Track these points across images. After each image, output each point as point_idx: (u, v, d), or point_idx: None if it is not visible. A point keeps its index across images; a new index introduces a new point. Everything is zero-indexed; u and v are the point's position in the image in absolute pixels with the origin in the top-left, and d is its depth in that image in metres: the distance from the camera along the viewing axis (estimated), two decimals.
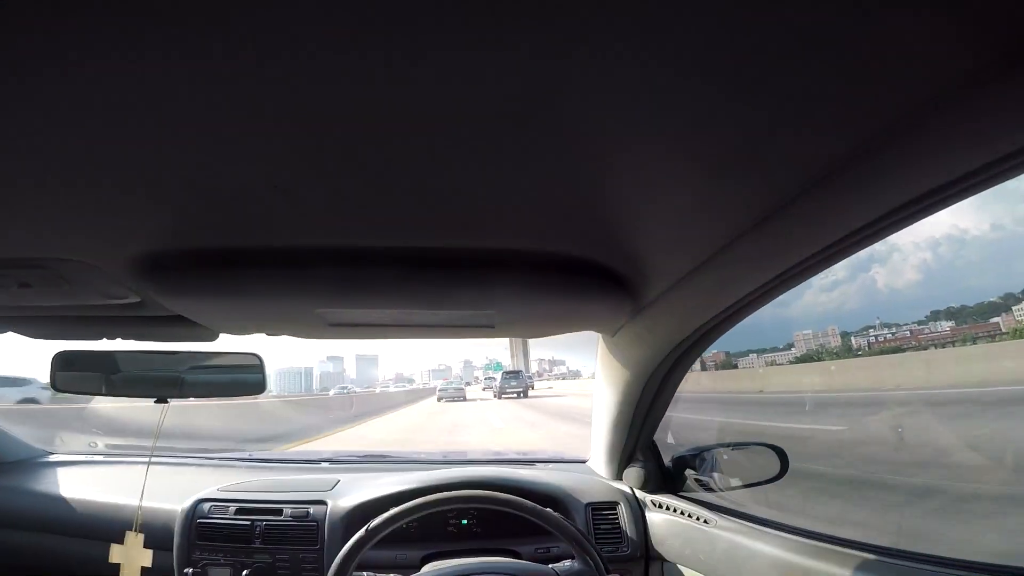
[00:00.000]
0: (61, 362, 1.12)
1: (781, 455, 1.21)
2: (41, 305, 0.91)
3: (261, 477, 1.59)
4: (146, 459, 1.87)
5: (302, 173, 0.52)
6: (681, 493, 1.33)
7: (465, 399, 23.02)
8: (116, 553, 1.16)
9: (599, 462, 1.52)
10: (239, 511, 1.35)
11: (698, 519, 1.20)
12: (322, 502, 1.37)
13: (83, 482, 1.60)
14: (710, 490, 1.28)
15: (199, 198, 0.58)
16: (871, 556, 0.86)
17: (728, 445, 1.34)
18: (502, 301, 0.85)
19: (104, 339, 1.06)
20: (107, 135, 0.45)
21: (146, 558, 1.17)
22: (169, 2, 0.31)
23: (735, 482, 1.26)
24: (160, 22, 0.32)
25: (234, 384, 1.25)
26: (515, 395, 23.01)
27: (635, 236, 0.69)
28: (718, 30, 0.33)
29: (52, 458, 1.82)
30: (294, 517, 1.33)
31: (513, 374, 26.29)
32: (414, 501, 1.10)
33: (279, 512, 1.34)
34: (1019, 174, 0.45)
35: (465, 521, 1.39)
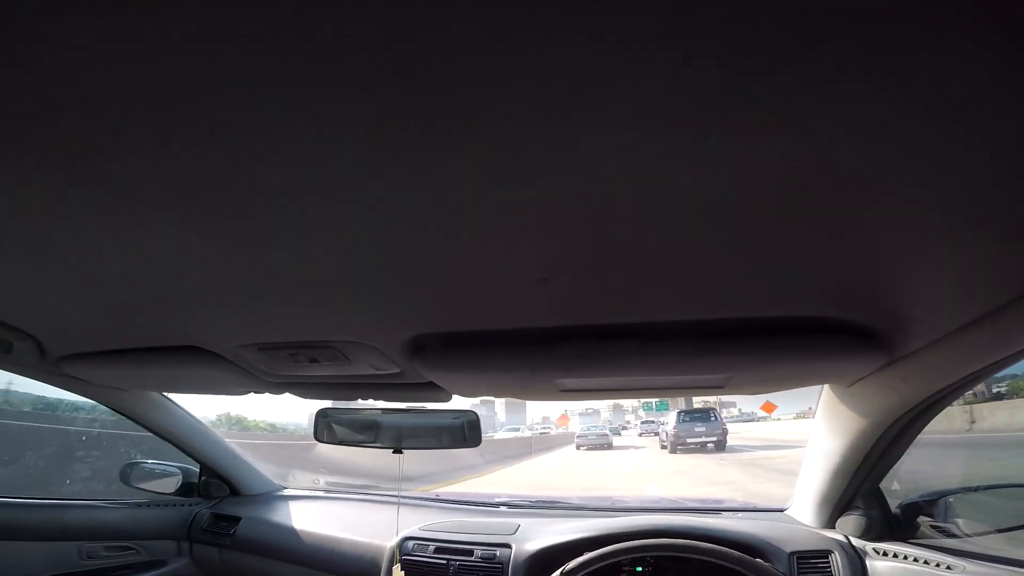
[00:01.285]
0: (323, 418, 1.35)
1: None
2: (316, 374, 1.08)
3: (452, 519, 1.69)
4: (356, 496, 2.09)
5: (566, 265, 0.58)
6: (912, 540, 1.20)
7: (611, 447, 19.12)
8: None
9: (803, 510, 1.42)
10: (437, 550, 1.45)
11: (938, 565, 1.08)
12: (507, 545, 1.43)
13: (315, 516, 1.80)
14: (952, 536, 1.15)
15: (467, 293, 0.67)
16: None
17: (973, 489, 1.19)
18: (738, 366, 0.85)
19: (359, 400, 1.24)
20: (387, 241, 0.54)
21: None
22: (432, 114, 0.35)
23: (986, 527, 1.12)
24: (466, 121, 0.37)
25: (456, 437, 1.36)
26: (701, 446, 14.26)
27: (898, 295, 0.68)
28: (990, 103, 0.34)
29: (287, 492, 2.08)
30: (483, 559, 1.40)
31: (700, 414, 15.38)
32: (613, 547, 1.12)
33: (470, 553, 1.43)
34: None
35: (640, 568, 1.36)
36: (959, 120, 0.36)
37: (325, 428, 1.37)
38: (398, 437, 1.33)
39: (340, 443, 1.39)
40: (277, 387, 1.22)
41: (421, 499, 2.07)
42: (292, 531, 1.73)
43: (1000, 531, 1.11)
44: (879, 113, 0.35)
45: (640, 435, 26.19)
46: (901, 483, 1.29)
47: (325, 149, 0.40)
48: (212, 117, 0.37)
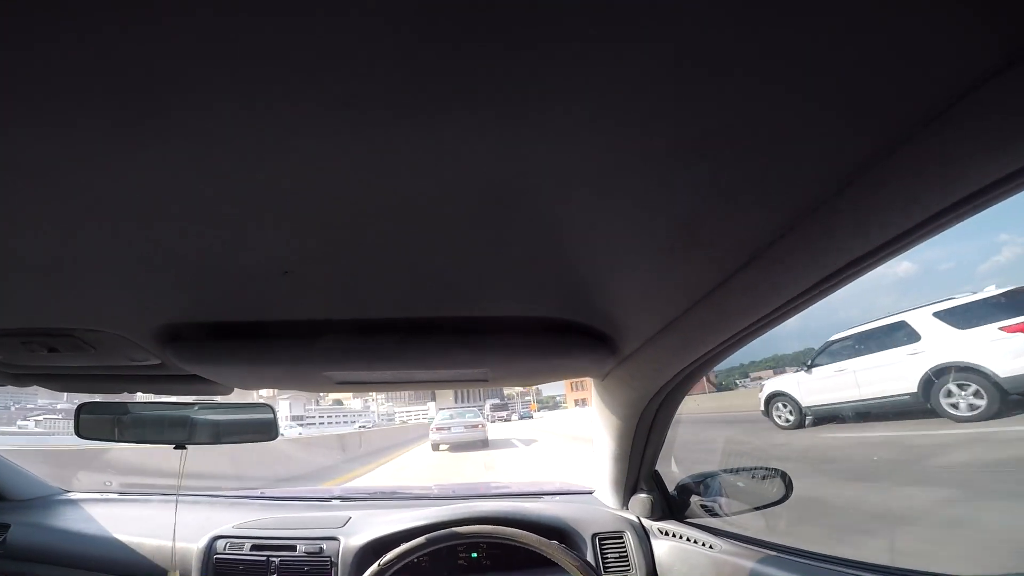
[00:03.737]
0: (85, 412, 1.16)
1: (784, 477, 1.26)
2: (63, 365, 0.95)
3: (275, 515, 1.61)
4: (162, 496, 1.90)
5: (306, 257, 0.57)
6: (686, 520, 1.36)
7: (486, 444, 12.99)
8: None
9: (605, 492, 1.55)
10: (254, 547, 1.38)
11: (703, 544, 1.22)
12: (335, 538, 1.40)
13: (102, 519, 1.61)
14: (715, 515, 1.31)
15: (214, 279, 0.63)
16: None
17: (730, 470, 1.37)
18: (494, 360, 0.90)
19: (125, 393, 1.10)
20: (132, 225, 0.49)
21: None
22: (177, 98, 0.34)
23: (740, 506, 1.29)
24: (170, 116, 0.35)
25: (247, 430, 1.29)
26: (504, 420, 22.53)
27: (609, 300, 0.74)
28: (644, 130, 0.37)
29: (71, 495, 1.83)
30: (308, 553, 1.36)
31: (501, 405, 26.77)
32: (423, 537, 1.15)
33: (293, 548, 1.37)
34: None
35: (475, 554, 1.43)
36: (634, 144, 0.39)
37: (90, 424, 1.19)
38: (181, 430, 1.20)
39: (110, 440, 1.20)
40: (20, 379, 1.04)
41: (243, 496, 1.94)
42: (78, 536, 1.54)
43: (750, 510, 1.28)
44: (564, 131, 0.37)
45: (492, 422, 26.88)
46: (677, 464, 1.48)
47: (41, 137, 0.37)
48: None
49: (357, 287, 0.66)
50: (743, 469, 1.37)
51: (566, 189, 0.45)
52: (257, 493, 2.00)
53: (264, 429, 1.27)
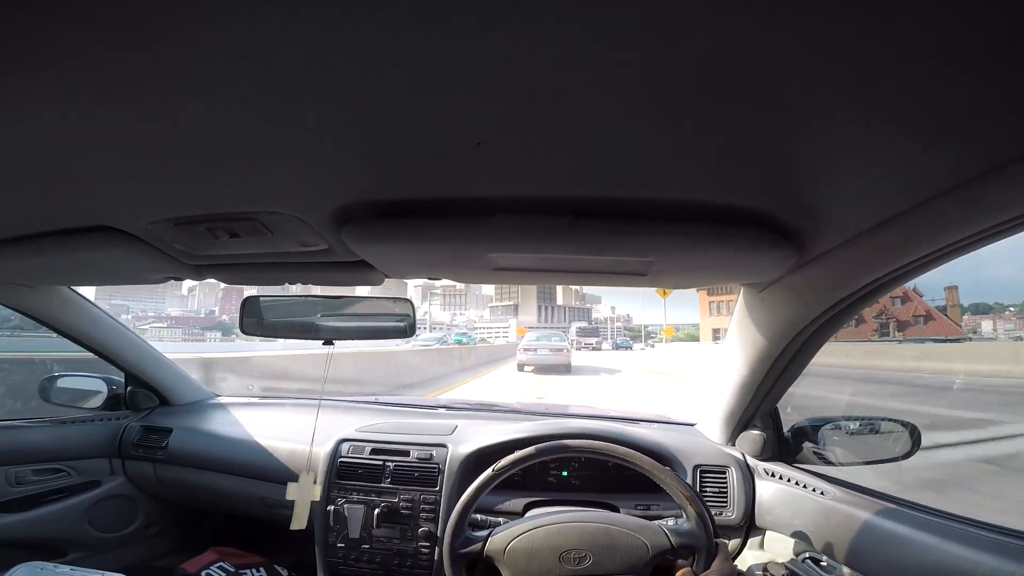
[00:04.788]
0: (248, 308, 1.29)
1: (913, 432, 1.19)
2: (238, 253, 1.02)
3: (389, 420, 1.74)
4: (294, 400, 2.09)
5: (497, 129, 0.56)
6: (797, 464, 1.33)
7: (569, 369, 13.82)
8: (292, 491, 1.26)
9: (711, 426, 1.53)
10: (373, 451, 1.51)
11: (813, 490, 1.20)
12: (443, 445, 1.50)
13: (246, 422, 1.81)
14: (829, 463, 1.27)
15: (400, 156, 0.63)
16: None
17: (854, 419, 1.31)
18: (661, 249, 0.85)
19: (287, 283, 1.18)
20: (315, 100, 0.50)
21: (316, 493, 1.28)
22: None
23: (859, 457, 1.24)
24: None
25: (389, 328, 1.34)
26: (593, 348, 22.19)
27: (817, 190, 0.68)
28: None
29: (220, 399, 2.06)
30: (419, 459, 1.47)
31: (589, 330, 26.11)
32: (533, 448, 1.18)
33: (406, 453, 1.49)
34: None
35: (565, 473, 1.48)
36: (891, 22, 0.36)
37: (250, 317, 1.32)
38: (330, 327, 1.29)
39: (266, 334, 1.35)
40: (197, 270, 1.15)
41: (360, 402, 2.10)
42: (226, 439, 1.73)
43: (870, 462, 1.23)
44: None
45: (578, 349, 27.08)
46: (795, 408, 1.43)
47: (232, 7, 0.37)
48: None
49: (545, 160, 0.64)
50: (867, 418, 1.30)
51: (817, 66, 0.42)
52: (373, 399, 2.16)
53: (404, 326, 1.32)
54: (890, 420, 1.24)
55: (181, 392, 1.98)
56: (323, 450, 1.53)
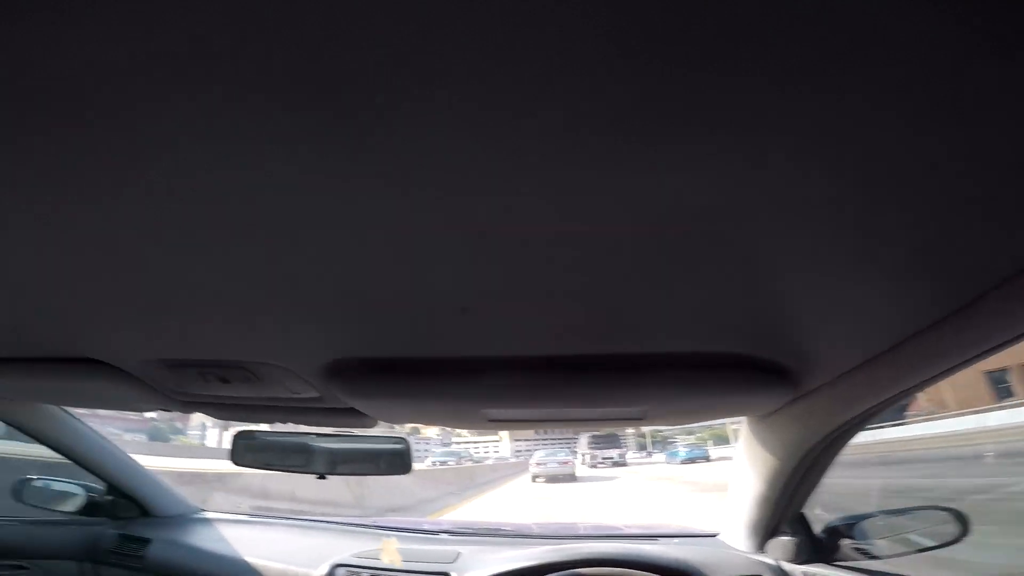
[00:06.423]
0: (241, 440, 1.27)
1: (959, 517, 1.12)
2: (229, 395, 1.02)
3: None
4: (283, 521, 1.99)
5: (484, 295, 0.58)
6: (836, 562, 1.23)
7: (574, 478, 16.53)
8: None
9: (736, 535, 1.43)
10: None
11: None
12: (445, 574, 1.39)
13: (233, 540, 1.70)
14: (875, 558, 1.18)
15: (388, 318, 0.66)
16: None
17: (892, 512, 1.24)
18: (655, 399, 0.87)
19: (278, 423, 1.18)
20: (305, 263, 0.52)
21: None
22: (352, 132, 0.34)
23: (905, 548, 1.17)
24: (370, 154, 0.36)
25: (384, 464, 1.33)
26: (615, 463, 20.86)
27: (802, 334, 0.69)
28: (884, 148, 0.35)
29: (206, 515, 1.95)
30: None
31: (606, 438, 23.39)
32: None
33: None
34: None
35: None
36: (860, 170, 0.37)
37: (244, 451, 1.30)
38: (326, 462, 1.28)
39: (261, 467, 1.30)
40: (186, 405, 1.14)
41: (356, 525, 1.98)
42: (210, 555, 1.62)
43: (919, 551, 1.15)
44: (788, 158, 0.36)
45: (591, 466, 23.99)
46: (825, 507, 1.34)
47: (236, 166, 0.38)
48: (109, 103, 0.33)
49: (530, 323, 0.66)
50: (906, 509, 1.22)
51: (787, 221, 0.43)
52: (370, 522, 2.03)
53: (400, 462, 1.31)
54: (931, 508, 1.17)
55: (164, 504, 1.89)
56: (316, 573, 1.43)
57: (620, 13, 0.26)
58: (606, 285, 0.55)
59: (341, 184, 0.40)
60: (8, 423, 1.54)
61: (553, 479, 16.12)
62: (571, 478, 16.35)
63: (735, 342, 0.72)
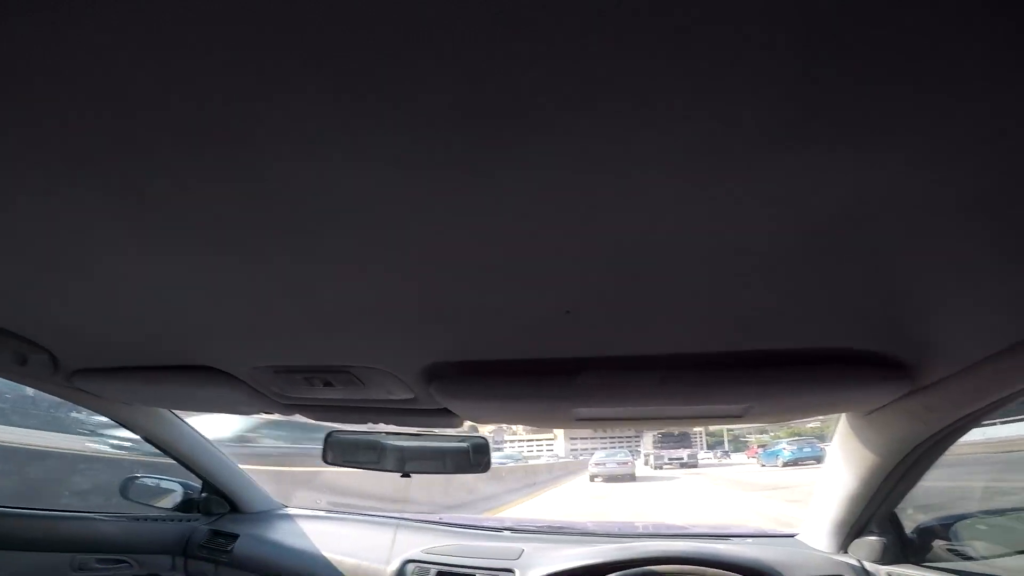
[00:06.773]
0: (332, 441, 1.36)
1: None
2: (328, 397, 1.07)
3: (454, 542, 1.67)
4: (357, 517, 2.07)
5: (588, 298, 0.59)
6: (928, 564, 1.18)
7: (634, 478, 16.32)
8: None
9: (817, 535, 1.39)
10: (439, 574, 1.45)
11: None
12: (510, 570, 1.41)
13: (312, 535, 1.79)
14: (970, 559, 1.14)
15: (490, 324, 0.68)
16: None
17: (992, 512, 1.16)
18: (760, 396, 0.84)
19: (369, 423, 1.23)
20: (429, 279, 0.55)
21: None
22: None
23: (1005, 549, 1.12)
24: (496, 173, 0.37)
25: (467, 462, 1.34)
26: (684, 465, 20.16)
27: (929, 326, 0.67)
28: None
29: (288, 510, 2.05)
30: None
31: (675, 437, 22.00)
32: (618, 574, 1.11)
33: None
34: None
35: None
36: (997, 166, 0.37)
37: (332, 450, 1.37)
38: (405, 461, 1.32)
39: (347, 465, 1.39)
40: (288, 408, 1.21)
41: (424, 521, 2.03)
42: (290, 550, 1.72)
43: (1019, 552, 1.09)
44: (925, 156, 0.36)
45: (657, 468, 21.70)
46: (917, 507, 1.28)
47: (357, 177, 0.41)
48: (240, 133, 0.37)
49: (636, 324, 0.66)
50: (1006, 511, 1.14)
51: (929, 221, 0.43)
52: (436, 518, 2.08)
53: (481, 460, 1.33)
54: None
55: (252, 501, 2.01)
56: (388, 568, 1.49)
57: (777, 23, 0.28)
58: (728, 285, 0.55)
59: (473, 200, 0.42)
60: (124, 424, 1.66)
61: (612, 479, 16.10)
62: (631, 478, 16.31)
63: (850, 337, 0.70)
